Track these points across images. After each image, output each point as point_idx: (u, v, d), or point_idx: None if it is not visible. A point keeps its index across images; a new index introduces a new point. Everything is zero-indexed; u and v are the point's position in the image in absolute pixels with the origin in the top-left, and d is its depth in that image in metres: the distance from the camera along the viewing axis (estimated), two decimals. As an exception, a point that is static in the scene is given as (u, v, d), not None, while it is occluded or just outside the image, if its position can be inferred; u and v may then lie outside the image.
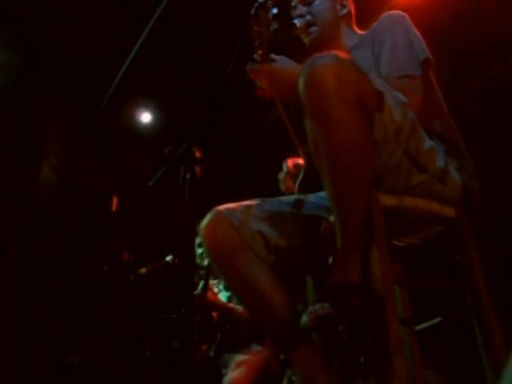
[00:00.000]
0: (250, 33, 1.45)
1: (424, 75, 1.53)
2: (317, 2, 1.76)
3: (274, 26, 1.45)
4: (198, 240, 2.90)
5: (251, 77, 1.50)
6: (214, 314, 3.32)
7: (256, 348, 3.13)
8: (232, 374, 2.97)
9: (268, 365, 2.98)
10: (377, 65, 1.58)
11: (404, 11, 1.66)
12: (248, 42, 1.47)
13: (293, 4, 1.79)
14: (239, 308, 3.24)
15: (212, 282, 3.27)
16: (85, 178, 4.95)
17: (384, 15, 1.67)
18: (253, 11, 1.44)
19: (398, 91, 1.41)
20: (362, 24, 1.88)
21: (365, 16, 1.98)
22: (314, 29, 1.75)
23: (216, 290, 3.39)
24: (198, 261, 3.14)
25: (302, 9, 1.76)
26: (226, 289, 3.34)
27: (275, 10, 1.46)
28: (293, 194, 1.79)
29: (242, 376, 2.94)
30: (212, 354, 3.22)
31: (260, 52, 1.45)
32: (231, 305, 3.27)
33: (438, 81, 1.63)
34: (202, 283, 3.13)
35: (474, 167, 1.55)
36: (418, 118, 1.42)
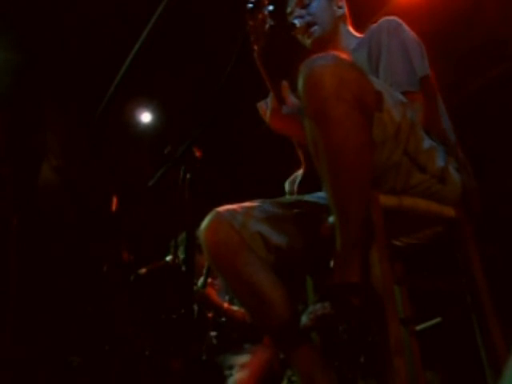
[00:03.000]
0: (246, 28, 1.46)
1: (422, 90, 1.51)
2: (314, 4, 1.76)
3: (270, 22, 1.46)
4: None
5: (261, 114, 1.53)
6: (210, 315, 3.32)
7: (251, 348, 3.14)
8: (237, 375, 2.98)
9: (270, 365, 3.00)
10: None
11: (404, 11, 1.67)
12: (248, 42, 1.48)
13: (289, 10, 1.80)
14: (235, 309, 3.24)
15: (210, 280, 3.27)
16: (85, 178, 4.95)
17: (381, 21, 1.65)
18: (248, 7, 1.45)
19: None
20: (362, 24, 1.88)
21: (365, 16, 1.98)
22: (315, 28, 1.75)
23: (215, 288, 3.39)
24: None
25: (300, 11, 1.76)
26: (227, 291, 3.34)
27: (271, 7, 1.47)
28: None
29: (246, 378, 2.95)
30: (206, 353, 3.22)
31: (256, 48, 1.46)
32: (226, 305, 3.28)
33: (438, 81, 1.63)
34: (201, 280, 3.14)
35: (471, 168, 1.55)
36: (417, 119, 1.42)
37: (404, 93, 1.48)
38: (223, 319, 3.29)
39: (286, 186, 1.80)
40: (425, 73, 1.53)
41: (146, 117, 5.06)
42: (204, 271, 3.11)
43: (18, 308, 3.98)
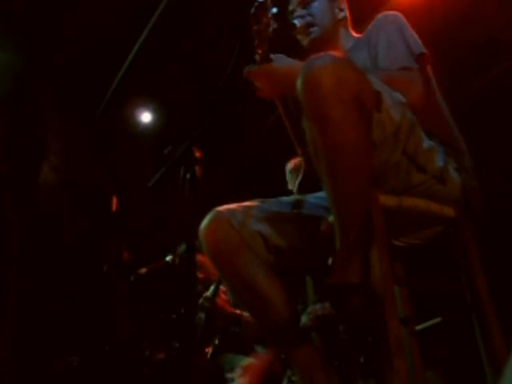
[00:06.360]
0: (249, 32, 1.45)
1: (421, 69, 1.53)
2: (315, 4, 1.77)
3: (274, 25, 1.46)
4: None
5: (248, 78, 1.50)
6: (219, 322, 3.29)
7: (260, 351, 3.12)
8: (239, 380, 2.97)
9: (271, 368, 2.98)
10: (374, 66, 1.58)
11: (403, 11, 1.67)
12: (248, 42, 1.48)
13: (290, 8, 1.80)
14: (247, 314, 3.21)
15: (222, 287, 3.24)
16: (85, 178, 4.95)
17: (379, 16, 1.68)
18: (252, 10, 1.45)
19: (398, 81, 1.43)
20: (361, 25, 1.88)
21: (364, 16, 1.99)
22: (315, 29, 1.75)
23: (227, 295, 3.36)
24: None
25: (301, 11, 1.77)
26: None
27: (275, 10, 1.47)
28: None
29: (248, 382, 2.94)
30: (210, 355, 3.21)
31: (259, 51, 1.46)
32: (238, 311, 3.25)
33: (438, 81, 1.63)
34: (212, 287, 3.12)
35: (474, 165, 1.55)
36: (417, 119, 1.42)
37: (403, 68, 1.49)
38: (236, 328, 3.25)
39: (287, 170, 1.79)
40: (421, 50, 1.54)
41: (146, 117, 5.06)
42: (216, 280, 3.09)
43: (18, 308, 3.99)
